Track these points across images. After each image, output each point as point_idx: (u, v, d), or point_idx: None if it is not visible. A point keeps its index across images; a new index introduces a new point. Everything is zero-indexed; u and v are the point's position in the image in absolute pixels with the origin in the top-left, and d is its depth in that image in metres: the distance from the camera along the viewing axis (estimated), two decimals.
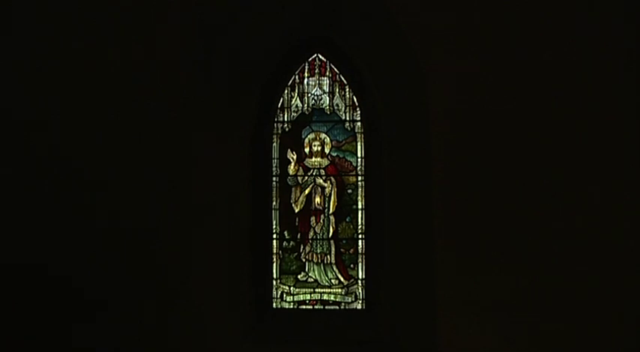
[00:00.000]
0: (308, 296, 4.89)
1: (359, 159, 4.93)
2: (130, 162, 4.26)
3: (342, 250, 4.92)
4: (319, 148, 4.96)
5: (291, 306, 4.87)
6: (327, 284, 4.91)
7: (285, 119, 4.99)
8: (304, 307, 4.87)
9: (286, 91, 4.98)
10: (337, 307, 4.85)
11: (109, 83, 4.22)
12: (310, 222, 4.95)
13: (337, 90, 4.95)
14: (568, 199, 3.94)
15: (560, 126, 3.96)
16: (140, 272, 4.23)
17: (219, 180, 4.46)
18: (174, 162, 4.25)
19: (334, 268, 4.92)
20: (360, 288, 4.88)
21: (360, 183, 4.92)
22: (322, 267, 4.91)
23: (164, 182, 4.24)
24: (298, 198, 4.96)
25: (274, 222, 4.94)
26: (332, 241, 4.91)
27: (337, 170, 4.97)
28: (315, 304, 4.87)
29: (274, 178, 4.96)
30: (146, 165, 4.26)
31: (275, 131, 4.99)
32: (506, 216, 3.97)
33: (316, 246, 4.92)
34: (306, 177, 4.97)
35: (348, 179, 4.95)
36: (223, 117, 4.54)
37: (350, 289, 4.88)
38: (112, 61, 4.22)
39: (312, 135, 5.00)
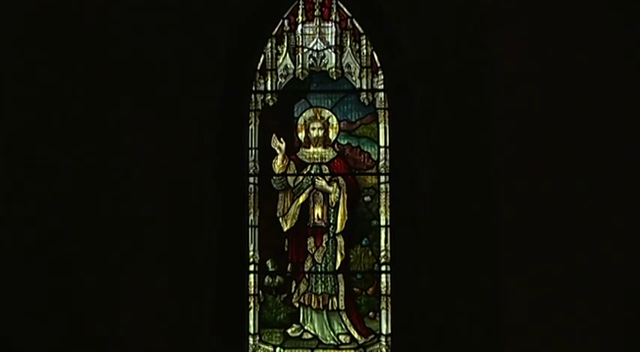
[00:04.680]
0: None
1: (381, 150, 4.39)
2: (35, 156, 3.97)
3: (355, 290, 4.35)
4: (321, 133, 4.41)
5: None
6: (332, 342, 4.35)
7: (269, 88, 4.48)
8: None
9: (269, 45, 4.46)
10: None
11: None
12: (307, 245, 4.36)
13: (348, 43, 4.41)
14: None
15: None
16: (47, 321, 3.88)
17: (167, 181, 4.06)
18: (100, 154, 3.99)
19: (343, 317, 4.34)
20: (383, 349, 4.31)
21: (382, 186, 4.36)
22: (325, 316, 4.33)
23: (86, 186, 3.97)
24: (289, 210, 4.40)
25: (251, 247, 4.37)
26: (340, 276, 4.35)
27: (348, 166, 4.42)
28: None
29: (252, 179, 4.42)
30: (58, 160, 3.95)
31: (253, 106, 4.46)
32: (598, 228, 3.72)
33: (316, 283, 4.37)
34: (301, 178, 4.42)
35: (365, 180, 4.43)
36: (174, 88, 4.10)
37: (368, 350, 4.30)
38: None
39: (309, 113, 4.44)
